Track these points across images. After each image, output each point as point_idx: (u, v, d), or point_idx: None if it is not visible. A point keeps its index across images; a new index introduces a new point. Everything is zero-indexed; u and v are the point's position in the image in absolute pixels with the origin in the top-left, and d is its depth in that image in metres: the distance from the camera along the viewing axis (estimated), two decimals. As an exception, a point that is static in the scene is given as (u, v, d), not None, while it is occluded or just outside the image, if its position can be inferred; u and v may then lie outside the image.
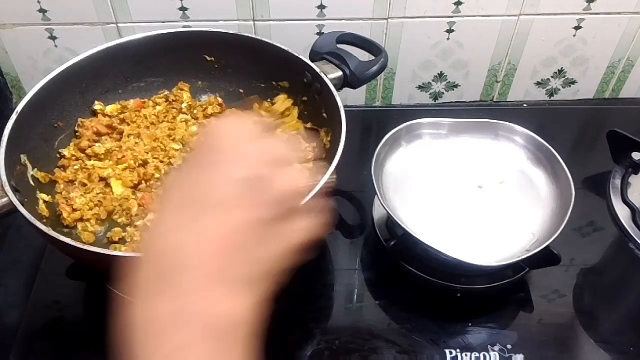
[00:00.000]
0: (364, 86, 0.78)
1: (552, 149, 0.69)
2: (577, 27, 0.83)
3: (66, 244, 0.50)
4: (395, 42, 0.83)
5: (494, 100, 0.93)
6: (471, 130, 0.73)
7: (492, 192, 0.69)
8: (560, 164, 0.67)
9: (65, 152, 0.67)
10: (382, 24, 0.81)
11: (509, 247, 0.62)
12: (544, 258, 0.60)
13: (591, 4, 0.80)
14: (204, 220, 0.32)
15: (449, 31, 0.83)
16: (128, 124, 0.70)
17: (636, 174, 0.76)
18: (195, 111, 0.73)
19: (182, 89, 0.74)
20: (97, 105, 0.71)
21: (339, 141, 0.58)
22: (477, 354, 0.60)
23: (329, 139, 0.67)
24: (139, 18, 0.79)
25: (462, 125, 0.73)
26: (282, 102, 0.72)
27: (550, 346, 0.61)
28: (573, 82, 0.91)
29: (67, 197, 0.63)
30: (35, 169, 0.63)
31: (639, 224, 0.70)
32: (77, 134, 0.69)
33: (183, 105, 0.73)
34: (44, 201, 0.62)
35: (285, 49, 0.68)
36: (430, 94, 0.91)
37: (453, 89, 0.91)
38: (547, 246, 0.59)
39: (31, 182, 0.62)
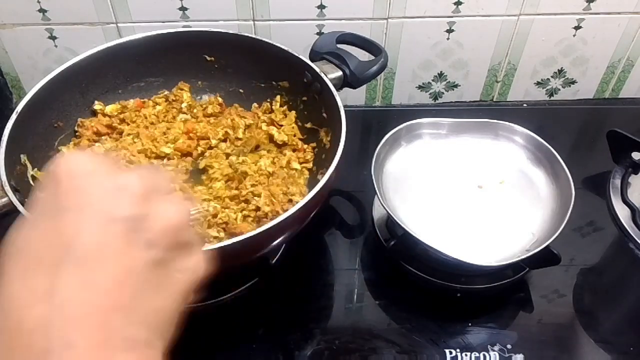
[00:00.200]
0: (364, 86, 0.78)
1: (552, 149, 0.69)
2: (577, 27, 0.83)
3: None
4: (395, 42, 0.83)
5: (494, 100, 0.93)
6: (471, 130, 0.73)
7: (492, 192, 0.69)
8: (560, 164, 0.67)
9: (64, 150, 0.67)
10: (382, 24, 0.81)
11: (509, 247, 0.62)
12: (544, 258, 0.60)
13: (591, 4, 0.80)
14: (70, 281, 0.25)
15: (449, 31, 0.83)
16: (128, 124, 0.70)
17: (636, 174, 0.76)
18: (195, 111, 0.73)
19: (182, 89, 0.74)
20: (97, 105, 0.71)
21: (339, 141, 0.58)
22: (477, 354, 0.60)
23: (329, 139, 0.67)
24: (139, 18, 0.79)
25: (462, 125, 0.73)
26: (278, 110, 0.73)
27: (550, 346, 0.61)
28: (573, 82, 0.91)
29: None
30: (35, 169, 0.62)
31: (639, 224, 0.70)
32: (77, 133, 0.69)
33: (183, 105, 0.73)
34: None
35: (285, 49, 0.68)
36: (430, 94, 0.91)
37: (453, 89, 0.91)
38: (547, 246, 0.59)
39: (31, 182, 0.62)
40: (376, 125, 0.90)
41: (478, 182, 0.69)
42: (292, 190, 0.65)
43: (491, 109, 0.92)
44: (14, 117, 0.59)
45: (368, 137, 0.87)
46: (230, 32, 0.71)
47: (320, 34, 0.81)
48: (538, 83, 0.91)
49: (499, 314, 0.65)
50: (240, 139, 0.70)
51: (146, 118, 0.71)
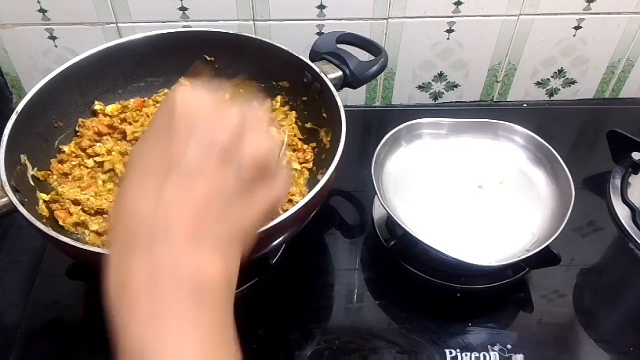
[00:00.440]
0: (364, 86, 0.78)
1: (552, 149, 0.69)
2: (577, 27, 0.83)
3: (66, 244, 0.50)
4: (395, 42, 0.83)
5: (494, 100, 0.93)
6: (471, 130, 0.73)
7: (492, 192, 0.69)
8: (560, 164, 0.67)
9: (65, 148, 0.67)
10: (382, 24, 0.81)
11: (509, 247, 0.62)
12: (544, 258, 0.60)
13: (591, 4, 0.80)
14: (175, 186, 0.32)
15: (449, 31, 0.83)
16: (130, 124, 0.70)
17: (636, 174, 0.76)
18: None
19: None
20: (97, 105, 0.71)
21: (339, 141, 0.58)
22: (477, 354, 0.60)
23: (329, 139, 0.67)
24: (139, 18, 0.79)
25: (462, 125, 0.73)
26: (279, 110, 0.73)
27: (550, 346, 0.61)
28: (573, 82, 0.91)
29: (61, 200, 0.62)
30: (35, 169, 0.62)
31: (639, 224, 0.70)
32: (77, 133, 0.69)
33: None
34: (44, 201, 0.62)
35: (285, 49, 0.68)
36: (430, 94, 0.91)
37: (453, 89, 0.91)
38: (547, 246, 0.59)
39: (31, 182, 0.62)
40: (376, 125, 0.90)
41: (478, 182, 0.69)
42: (292, 190, 0.65)
43: (491, 109, 0.92)
44: (14, 117, 0.59)
45: (368, 137, 0.87)
46: (230, 32, 0.71)
47: (320, 34, 0.81)
48: (538, 83, 0.91)
49: (499, 314, 0.65)
50: None
51: (149, 117, 0.71)
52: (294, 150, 0.70)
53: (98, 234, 0.62)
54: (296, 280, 0.68)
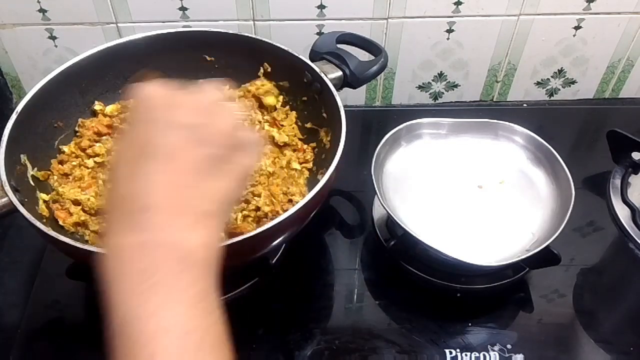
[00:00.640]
0: (364, 86, 0.78)
1: (552, 149, 0.69)
2: (577, 27, 0.83)
3: (66, 244, 0.50)
4: (395, 42, 0.83)
5: (494, 100, 0.93)
6: (471, 130, 0.73)
7: (492, 192, 0.69)
8: (560, 164, 0.67)
9: (65, 148, 0.67)
10: (382, 24, 0.81)
11: (509, 247, 0.62)
12: (544, 258, 0.60)
13: (591, 4, 0.80)
14: (156, 167, 0.35)
15: (449, 31, 0.83)
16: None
17: (636, 174, 0.76)
18: None
19: None
20: (97, 106, 0.70)
21: (339, 141, 0.58)
22: (477, 354, 0.60)
23: (329, 139, 0.67)
24: (139, 18, 0.79)
25: (462, 125, 0.73)
26: (280, 110, 0.72)
27: (550, 346, 0.61)
28: (573, 82, 0.91)
29: (61, 200, 0.62)
30: (35, 169, 0.62)
31: (639, 224, 0.70)
32: (77, 133, 0.69)
33: None
34: (44, 201, 0.62)
35: (285, 49, 0.68)
36: (430, 94, 0.91)
37: (453, 89, 0.91)
38: (547, 246, 0.59)
39: (31, 182, 0.62)
40: (376, 125, 0.90)
41: (478, 182, 0.69)
42: (292, 190, 0.65)
43: (491, 109, 0.92)
44: (14, 117, 0.59)
45: (368, 137, 0.86)
46: (230, 32, 0.71)
47: (320, 34, 0.81)
48: (538, 83, 0.91)
49: (499, 314, 0.65)
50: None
51: None
52: (294, 151, 0.70)
53: (98, 234, 0.62)
54: (296, 280, 0.68)
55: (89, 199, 0.63)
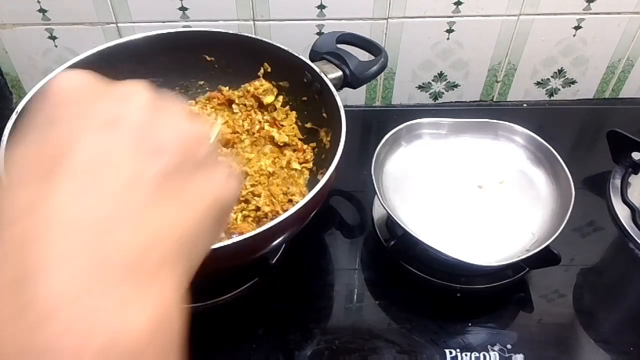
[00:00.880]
0: (364, 86, 0.78)
1: (552, 149, 0.69)
2: (577, 27, 0.83)
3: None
4: (395, 42, 0.83)
5: (494, 100, 0.93)
6: (471, 130, 0.73)
7: (492, 192, 0.69)
8: (560, 164, 0.67)
9: None
10: (382, 24, 0.81)
11: (509, 247, 0.62)
12: (544, 258, 0.60)
13: (591, 4, 0.80)
14: (61, 192, 0.21)
15: (449, 31, 0.83)
16: None
17: (636, 174, 0.76)
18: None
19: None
20: None
21: (339, 141, 0.58)
22: (477, 354, 0.60)
23: (329, 139, 0.67)
24: (139, 18, 0.79)
25: (462, 125, 0.73)
26: (280, 110, 0.72)
27: (550, 346, 0.61)
28: (573, 82, 0.91)
29: None
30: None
31: (639, 224, 0.70)
32: None
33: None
34: None
35: (285, 49, 0.68)
36: (430, 94, 0.91)
37: (453, 89, 0.91)
38: (547, 246, 0.59)
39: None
40: (376, 125, 0.90)
41: (478, 182, 0.69)
42: (292, 190, 0.65)
43: (491, 109, 0.92)
44: (14, 117, 0.59)
45: (368, 137, 0.86)
46: (230, 32, 0.71)
47: (320, 34, 0.81)
48: (538, 83, 0.91)
49: (499, 314, 0.65)
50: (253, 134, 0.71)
51: None
52: (294, 150, 0.70)
53: None
54: (296, 280, 0.68)
55: None
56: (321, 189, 0.54)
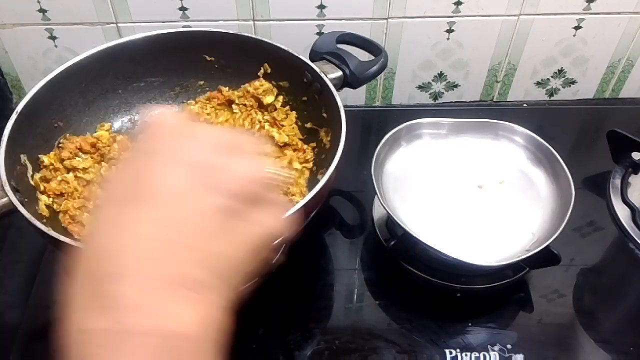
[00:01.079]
0: (364, 86, 0.78)
1: (552, 149, 0.69)
2: (577, 27, 0.83)
3: (66, 244, 0.50)
4: (395, 42, 0.83)
5: (494, 100, 0.93)
6: (471, 130, 0.73)
7: (492, 192, 0.69)
8: (560, 164, 0.67)
9: (45, 159, 0.64)
10: (382, 24, 0.81)
11: (509, 247, 0.62)
12: (544, 258, 0.60)
13: (591, 4, 0.80)
14: (144, 215, 0.27)
15: (449, 31, 0.83)
16: (111, 159, 0.68)
17: (636, 174, 0.76)
18: None
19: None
20: (100, 130, 0.71)
21: (339, 141, 0.58)
22: (477, 354, 0.60)
23: (329, 139, 0.67)
24: (139, 18, 0.79)
25: (462, 125, 0.73)
26: (280, 110, 0.73)
27: (550, 346, 0.61)
28: (573, 82, 0.91)
29: (71, 214, 0.62)
30: (35, 172, 0.63)
31: (639, 224, 0.70)
32: (59, 145, 0.67)
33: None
34: (46, 205, 0.62)
35: (285, 49, 0.68)
36: (430, 94, 0.91)
37: (453, 89, 0.91)
38: (547, 246, 0.59)
39: (31, 182, 0.62)
40: (376, 125, 0.90)
41: (478, 182, 0.69)
42: (292, 190, 0.65)
43: (491, 109, 0.92)
44: (14, 117, 0.59)
45: (368, 137, 0.87)
46: (230, 32, 0.71)
47: (320, 34, 0.81)
48: (538, 83, 0.91)
49: (499, 314, 0.65)
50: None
51: None
52: (295, 150, 0.70)
53: None
54: (296, 280, 0.68)
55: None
56: (321, 189, 0.54)
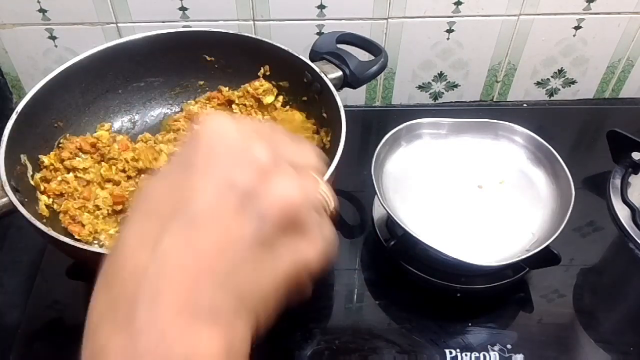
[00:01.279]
0: (364, 86, 0.78)
1: (552, 149, 0.69)
2: (577, 27, 0.83)
3: (66, 244, 0.50)
4: (395, 42, 0.83)
5: (494, 100, 0.93)
6: (471, 130, 0.73)
7: (492, 192, 0.69)
8: (560, 164, 0.67)
9: (45, 159, 0.64)
10: (382, 24, 0.81)
11: (509, 247, 0.62)
12: (544, 258, 0.60)
13: (591, 4, 0.80)
14: (177, 234, 0.26)
15: (449, 31, 0.83)
16: (111, 159, 0.68)
17: (636, 174, 0.76)
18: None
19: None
20: (100, 130, 0.71)
21: (339, 141, 0.58)
22: (477, 354, 0.60)
23: (329, 139, 0.67)
24: (139, 18, 0.79)
25: (462, 125, 0.73)
26: (280, 110, 0.72)
27: (550, 346, 0.61)
28: (573, 82, 0.91)
29: (71, 214, 0.62)
30: (35, 172, 0.63)
31: (639, 224, 0.70)
32: (60, 145, 0.67)
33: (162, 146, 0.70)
34: (46, 205, 0.62)
35: (285, 49, 0.68)
36: (430, 94, 0.91)
37: (453, 89, 0.91)
38: (547, 246, 0.59)
39: (31, 182, 0.62)
40: (376, 125, 0.90)
41: (478, 182, 0.69)
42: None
43: (491, 109, 0.92)
44: (14, 117, 0.59)
45: (368, 137, 0.86)
46: (230, 32, 0.71)
47: (320, 34, 0.81)
48: (538, 83, 0.91)
49: (499, 314, 0.65)
50: None
51: (128, 162, 0.68)
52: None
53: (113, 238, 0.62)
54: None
55: (98, 207, 0.63)
56: (321, 189, 0.54)
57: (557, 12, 0.81)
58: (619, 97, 0.94)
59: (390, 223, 0.70)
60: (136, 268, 0.25)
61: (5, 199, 0.53)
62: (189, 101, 0.76)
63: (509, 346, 0.60)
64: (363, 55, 0.70)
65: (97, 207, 0.63)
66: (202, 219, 0.26)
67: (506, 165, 0.71)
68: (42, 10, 0.77)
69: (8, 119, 0.58)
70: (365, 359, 0.60)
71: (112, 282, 0.26)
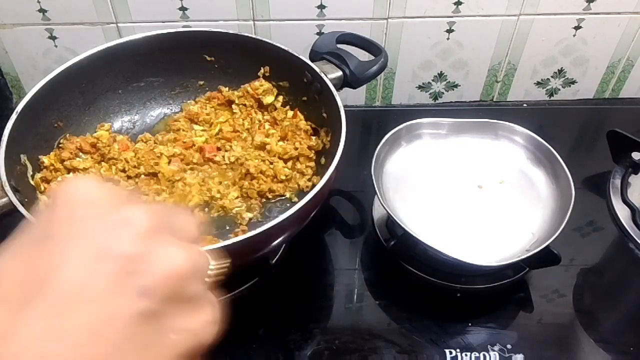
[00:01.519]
0: (364, 86, 0.78)
1: (552, 149, 0.69)
2: (577, 27, 0.83)
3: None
4: (395, 42, 0.83)
5: (494, 100, 0.93)
6: (471, 130, 0.73)
7: (492, 192, 0.69)
8: (560, 164, 0.67)
9: (45, 160, 0.64)
10: (382, 24, 0.81)
11: (509, 247, 0.62)
12: (544, 258, 0.60)
13: (591, 4, 0.80)
14: (35, 325, 0.21)
15: (449, 31, 0.83)
16: (111, 159, 0.68)
17: (636, 174, 0.76)
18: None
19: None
20: (100, 130, 0.70)
21: (339, 141, 0.58)
22: (477, 354, 0.60)
23: (329, 139, 0.67)
24: (139, 18, 0.79)
25: (462, 125, 0.73)
26: (280, 110, 0.73)
27: (550, 346, 0.61)
28: (573, 82, 0.91)
29: None
30: (36, 172, 0.63)
31: (639, 224, 0.70)
32: (60, 145, 0.67)
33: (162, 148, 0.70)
34: (45, 203, 0.61)
35: (285, 49, 0.68)
36: (430, 94, 0.91)
37: (453, 89, 0.91)
38: (547, 246, 0.59)
39: (31, 182, 0.62)
40: (376, 125, 0.90)
41: (478, 182, 0.69)
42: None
43: (491, 109, 0.92)
44: (14, 117, 0.59)
45: (368, 137, 0.87)
46: (230, 32, 0.71)
47: (320, 34, 0.81)
48: (538, 83, 0.91)
49: (499, 314, 0.65)
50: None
51: (128, 162, 0.67)
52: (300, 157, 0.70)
53: None
54: (296, 280, 0.68)
55: None
56: (321, 189, 0.54)
57: (557, 12, 0.81)
58: (619, 97, 0.94)
59: (390, 223, 0.70)
60: None
61: (5, 199, 0.53)
62: (189, 101, 0.76)
63: (509, 346, 0.60)
64: (363, 55, 0.70)
65: None
66: (67, 298, 0.22)
67: (506, 165, 0.71)
68: (42, 10, 0.77)
69: (8, 119, 0.58)
70: (365, 359, 0.60)
71: None
